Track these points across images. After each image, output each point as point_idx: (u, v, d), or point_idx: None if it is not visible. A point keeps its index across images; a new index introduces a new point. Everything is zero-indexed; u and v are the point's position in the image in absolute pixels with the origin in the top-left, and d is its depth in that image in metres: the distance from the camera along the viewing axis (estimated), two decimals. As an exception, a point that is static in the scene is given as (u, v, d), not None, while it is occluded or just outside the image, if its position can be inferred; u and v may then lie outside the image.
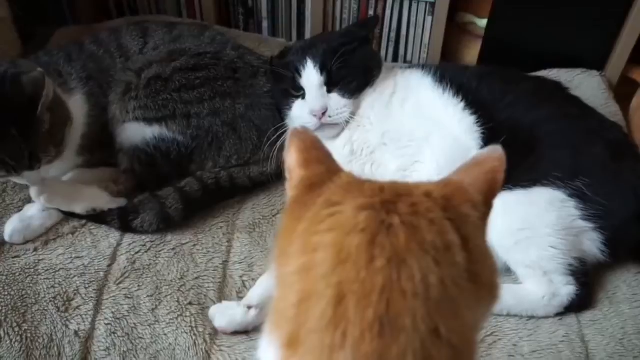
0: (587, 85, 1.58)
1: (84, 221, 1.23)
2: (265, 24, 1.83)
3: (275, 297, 0.55)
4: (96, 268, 1.16)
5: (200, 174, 1.28)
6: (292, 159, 0.61)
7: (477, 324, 0.55)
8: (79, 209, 1.22)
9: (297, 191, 0.59)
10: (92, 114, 1.28)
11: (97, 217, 1.23)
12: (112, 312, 1.09)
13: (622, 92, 1.63)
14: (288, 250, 0.54)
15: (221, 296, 1.14)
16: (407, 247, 0.49)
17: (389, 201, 0.53)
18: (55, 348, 1.05)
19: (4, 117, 1.08)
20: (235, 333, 1.08)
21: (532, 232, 1.11)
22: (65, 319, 1.08)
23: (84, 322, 1.08)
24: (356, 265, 0.49)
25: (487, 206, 0.58)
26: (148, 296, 1.12)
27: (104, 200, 1.23)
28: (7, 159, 1.09)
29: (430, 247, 0.50)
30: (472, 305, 0.52)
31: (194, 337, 1.07)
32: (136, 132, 1.27)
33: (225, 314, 1.09)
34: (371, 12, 1.73)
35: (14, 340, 1.04)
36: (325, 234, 0.52)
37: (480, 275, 0.53)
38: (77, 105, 1.25)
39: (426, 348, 0.47)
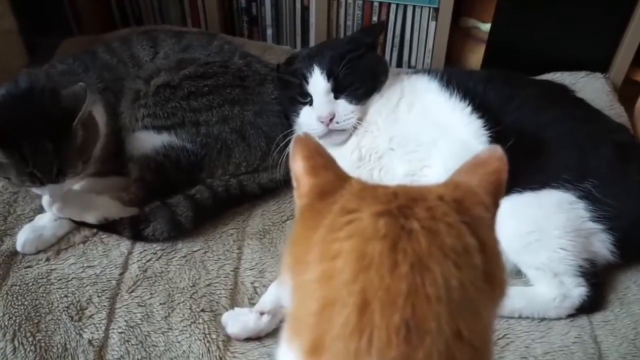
0: (591, 88, 1.59)
1: (94, 230, 1.24)
2: (269, 31, 1.84)
3: (292, 305, 0.55)
4: (108, 277, 1.16)
5: (210, 181, 1.29)
6: (298, 166, 0.60)
7: (492, 323, 0.55)
8: (90, 218, 1.22)
9: (307, 199, 0.59)
10: (110, 123, 1.28)
11: (109, 226, 1.23)
12: (125, 321, 1.10)
13: (626, 93, 1.63)
14: (305, 258, 0.54)
15: (233, 303, 1.15)
16: (428, 252, 0.50)
17: (405, 206, 0.53)
18: (70, 357, 1.05)
19: (41, 129, 1.08)
20: (248, 339, 1.08)
21: (542, 234, 1.12)
22: (78, 328, 1.08)
23: (97, 330, 1.08)
24: (380, 272, 0.49)
25: (495, 206, 0.59)
26: (160, 304, 1.12)
27: (115, 210, 1.23)
28: (36, 171, 1.09)
29: (450, 251, 0.51)
30: (488, 305, 0.53)
31: (207, 344, 1.07)
32: (146, 141, 1.27)
33: (238, 321, 1.09)
34: (375, 19, 1.74)
35: (28, 350, 1.04)
36: (345, 241, 0.52)
37: (494, 275, 0.54)
38: (98, 116, 1.25)
39: (450, 350, 0.47)
